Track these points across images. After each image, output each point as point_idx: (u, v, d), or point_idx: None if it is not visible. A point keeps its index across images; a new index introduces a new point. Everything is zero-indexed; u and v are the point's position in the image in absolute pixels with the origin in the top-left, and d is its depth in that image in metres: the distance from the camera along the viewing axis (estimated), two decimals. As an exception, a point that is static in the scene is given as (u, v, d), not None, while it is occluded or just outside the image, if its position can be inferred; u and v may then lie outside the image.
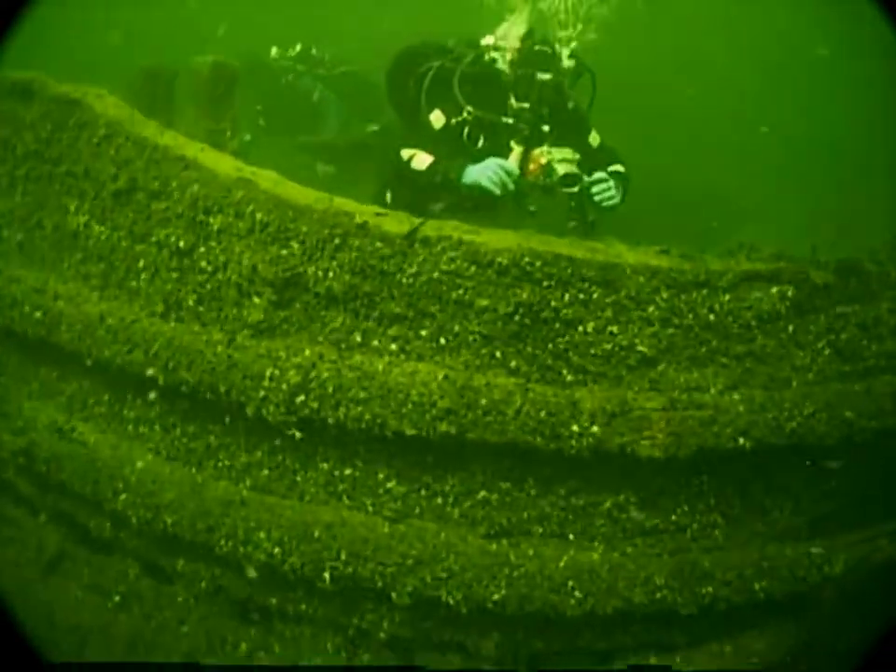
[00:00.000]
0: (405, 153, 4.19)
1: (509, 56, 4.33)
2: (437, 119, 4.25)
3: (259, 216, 3.08)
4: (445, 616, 3.16)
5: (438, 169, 4.07)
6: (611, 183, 4.19)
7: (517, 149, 4.15)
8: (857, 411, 3.21)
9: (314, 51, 7.30)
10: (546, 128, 4.27)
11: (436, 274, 3.01)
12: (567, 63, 4.36)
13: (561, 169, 4.03)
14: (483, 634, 3.23)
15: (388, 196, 4.61)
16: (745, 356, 3.23)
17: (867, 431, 3.22)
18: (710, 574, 3.17)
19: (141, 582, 3.45)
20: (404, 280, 3.02)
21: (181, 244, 3.20)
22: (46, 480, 3.45)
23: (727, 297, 3.18)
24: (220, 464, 3.28)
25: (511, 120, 4.23)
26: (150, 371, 3.14)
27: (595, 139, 4.62)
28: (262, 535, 3.14)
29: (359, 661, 3.34)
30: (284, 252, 3.07)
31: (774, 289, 3.24)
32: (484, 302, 3.02)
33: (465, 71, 4.29)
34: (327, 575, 3.11)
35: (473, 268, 3.01)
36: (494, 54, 4.36)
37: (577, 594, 3.09)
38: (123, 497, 3.27)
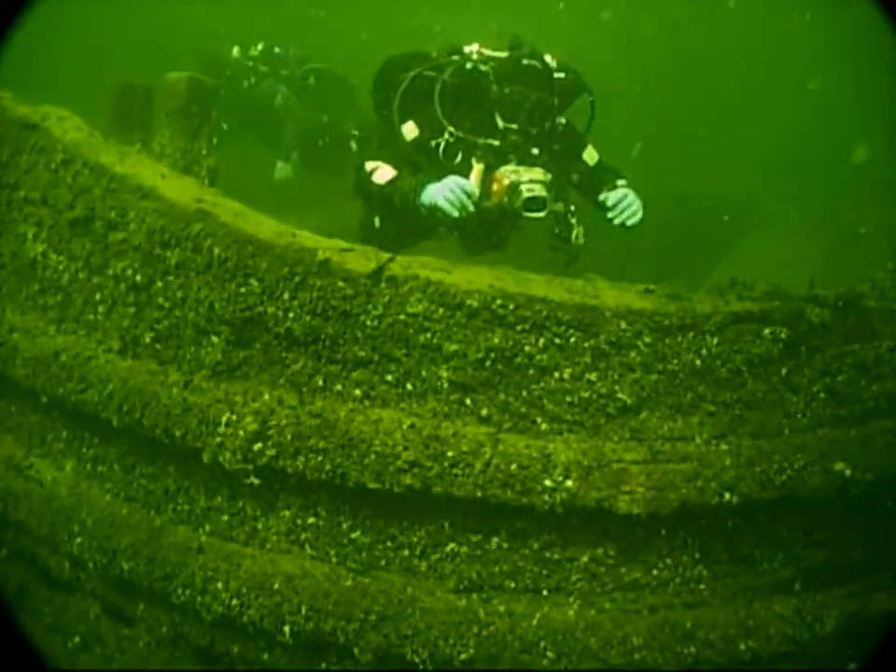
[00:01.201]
0: (369, 165, 3.78)
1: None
2: (409, 130, 3.82)
3: (216, 251, 2.80)
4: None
5: (396, 187, 3.64)
6: (632, 198, 3.80)
7: (478, 167, 3.70)
8: (852, 462, 2.92)
9: (277, 50, 6.85)
10: (535, 151, 3.83)
11: (402, 316, 2.73)
12: (558, 75, 3.91)
13: (526, 191, 3.58)
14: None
15: (377, 221, 4.32)
16: (733, 402, 2.93)
17: (862, 483, 2.93)
18: (692, 634, 2.90)
19: (101, 624, 3.23)
20: (368, 322, 2.74)
21: (138, 278, 2.92)
22: (3, 517, 3.22)
23: (715, 340, 2.88)
24: (179, 507, 3.01)
25: (496, 142, 3.80)
26: (104, 413, 2.90)
27: (591, 157, 4.19)
28: (220, 585, 2.88)
29: (324, 712, 3.11)
30: (242, 290, 2.79)
31: (766, 331, 2.94)
32: (454, 347, 2.73)
33: (446, 81, 3.84)
34: (287, 629, 2.87)
35: (441, 310, 2.73)
36: (479, 66, 3.85)
37: (549, 654, 2.82)
38: (79, 540, 3.02)
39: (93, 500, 3.06)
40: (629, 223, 3.80)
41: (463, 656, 2.79)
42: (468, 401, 2.77)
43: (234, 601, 2.87)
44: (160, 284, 2.90)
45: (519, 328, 2.73)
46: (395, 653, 2.80)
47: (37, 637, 3.25)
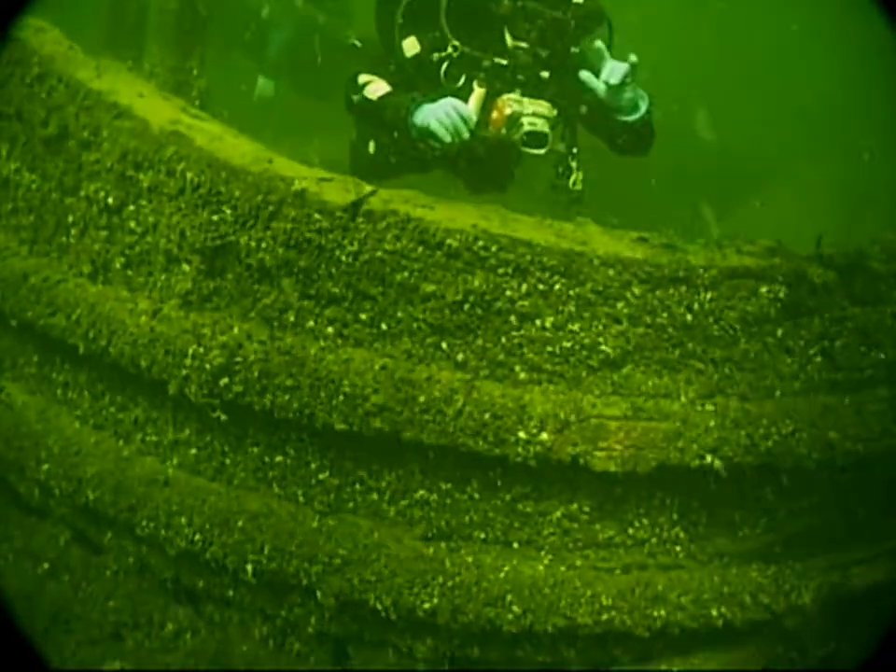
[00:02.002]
0: (362, 78, 3.42)
1: None
2: (410, 45, 3.42)
3: (189, 175, 2.61)
4: (374, 618, 2.81)
5: (389, 102, 3.27)
6: (634, 88, 3.24)
7: (478, 91, 3.29)
8: (842, 432, 2.73)
9: None
10: (545, 74, 3.43)
11: (379, 253, 2.56)
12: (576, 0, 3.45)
13: (528, 125, 3.24)
14: (415, 637, 2.86)
15: (371, 146, 4.07)
16: (724, 361, 2.74)
17: (851, 454, 2.76)
18: (663, 596, 2.77)
19: (70, 551, 3.14)
20: (343, 258, 2.57)
21: (110, 200, 2.74)
22: (-27, 438, 3.13)
23: (708, 295, 2.68)
24: (148, 438, 2.87)
25: (504, 61, 3.38)
26: (71, 339, 2.77)
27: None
28: (183, 520, 2.76)
29: (288, 650, 3.02)
30: (215, 217, 2.61)
31: (764, 289, 2.74)
32: (431, 288, 2.56)
33: None
34: (249, 568, 2.75)
35: (420, 249, 2.54)
36: None
37: (515, 608, 2.69)
38: (46, 466, 2.90)
39: (62, 427, 2.93)
40: (630, 118, 3.33)
41: (426, 605, 2.67)
42: (443, 345, 2.60)
43: (197, 536, 2.75)
44: (131, 207, 2.72)
45: (501, 271, 2.54)
46: (357, 599, 2.70)
47: (8, 562, 3.19)
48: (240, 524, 2.73)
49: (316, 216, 2.53)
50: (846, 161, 5.65)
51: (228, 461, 2.82)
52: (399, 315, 2.58)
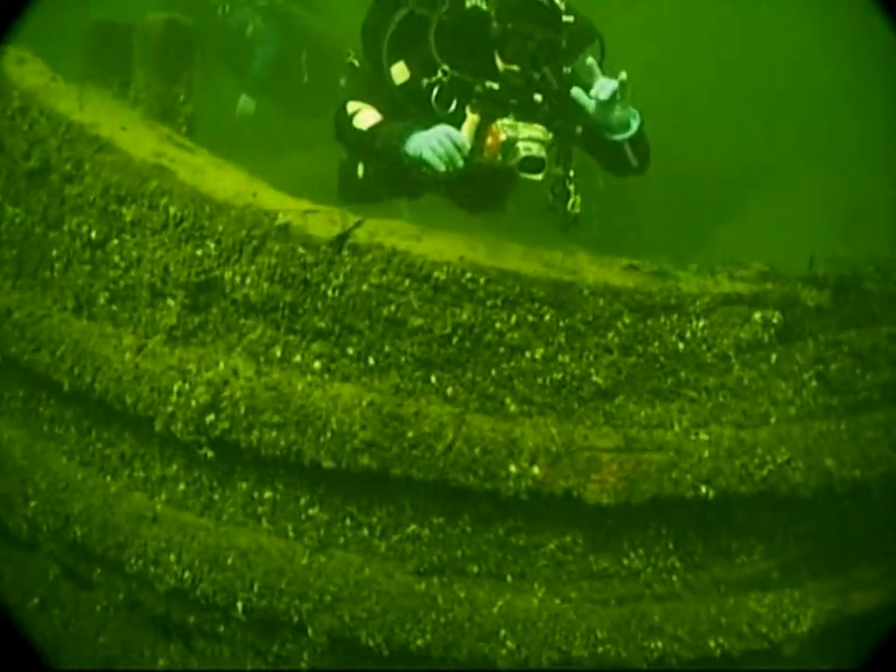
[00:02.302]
0: (351, 106, 3.30)
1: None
2: (399, 72, 3.31)
3: (172, 210, 2.56)
4: (368, 654, 2.76)
5: (379, 132, 3.15)
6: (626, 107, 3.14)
7: (471, 118, 3.18)
8: (839, 458, 2.68)
9: None
10: (538, 98, 3.31)
11: (365, 287, 2.51)
12: (567, 18, 3.33)
13: (523, 150, 3.11)
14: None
15: (360, 169, 4.01)
16: (717, 389, 2.69)
17: (848, 481, 2.71)
18: (660, 628, 2.71)
19: (60, 586, 3.09)
20: (329, 292, 2.52)
21: (93, 234, 2.70)
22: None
23: (701, 323, 2.63)
24: (136, 474, 2.82)
25: (496, 85, 3.27)
26: (56, 376, 2.72)
27: None
28: (172, 557, 2.71)
29: (282, 685, 2.97)
30: (199, 252, 2.56)
31: (757, 315, 2.70)
32: (418, 321, 2.51)
33: (442, 20, 3.31)
34: (239, 605, 2.70)
35: (407, 282, 2.50)
36: (479, 3, 3.31)
37: (509, 644, 2.64)
38: (33, 503, 2.85)
39: (48, 463, 2.88)
40: (621, 136, 3.20)
41: (419, 642, 2.61)
42: (432, 379, 2.54)
43: (186, 574, 2.69)
44: (115, 242, 2.67)
45: (489, 303, 2.49)
46: (349, 636, 2.65)
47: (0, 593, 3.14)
48: (229, 561, 2.67)
49: (301, 250, 2.48)
50: (841, 170, 5.59)
51: (216, 496, 2.76)
52: (387, 349, 2.53)
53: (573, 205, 3.44)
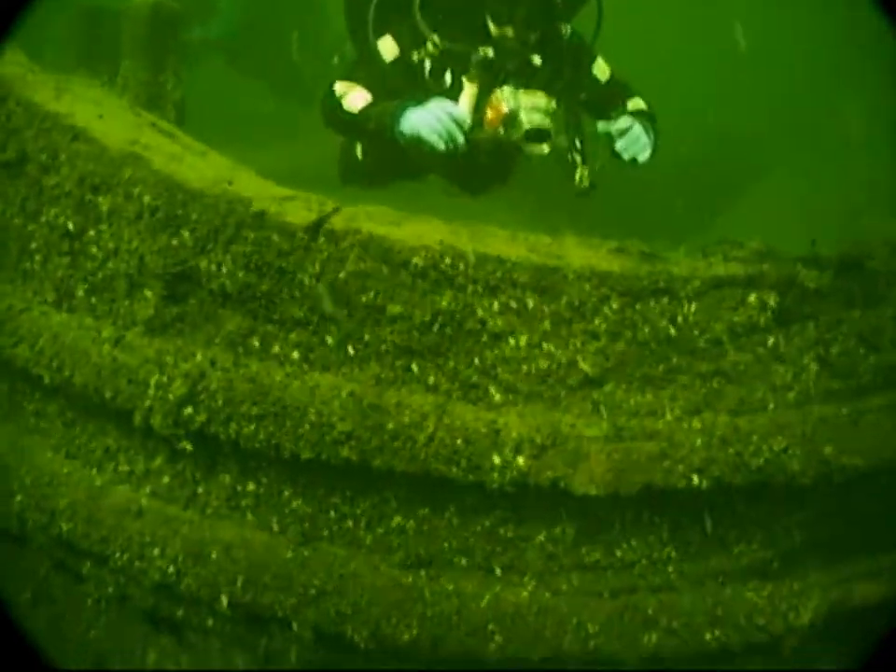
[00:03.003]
0: (339, 87, 3.12)
1: None
2: (388, 48, 3.12)
3: (146, 199, 2.48)
4: (356, 648, 2.69)
5: (370, 113, 2.99)
6: (640, 129, 3.07)
7: (469, 89, 3.03)
8: (839, 445, 2.55)
9: None
10: (537, 60, 3.13)
11: (342, 275, 2.42)
12: None
13: (527, 121, 2.94)
14: (399, 666, 2.74)
15: (359, 151, 3.86)
16: (711, 374, 2.57)
17: (848, 469, 2.58)
18: (654, 620, 2.61)
19: (52, 580, 3.05)
20: (306, 280, 2.44)
21: (70, 225, 2.63)
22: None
23: (693, 307, 2.51)
24: (120, 468, 2.76)
25: (490, 52, 3.07)
26: (35, 370, 2.66)
27: (602, 71, 3.43)
28: (157, 552, 2.66)
29: (273, 679, 2.92)
30: (174, 242, 2.48)
31: (752, 297, 2.57)
32: (397, 309, 2.42)
33: None
34: (224, 599, 2.64)
35: (385, 269, 2.41)
36: None
37: (497, 638, 2.56)
38: (19, 498, 2.81)
39: (34, 457, 2.83)
40: (639, 159, 3.11)
41: (406, 636, 2.54)
42: (413, 368, 2.45)
43: (171, 568, 2.63)
44: (92, 233, 2.59)
45: (470, 289, 2.39)
46: (334, 631, 2.58)
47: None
48: (213, 555, 2.60)
49: (276, 237, 2.39)
50: (844, 157, 5.40)
51: (200, 489, 2.68)
52: (367, 337, 2.44)
53: (581, 178, 3.24)
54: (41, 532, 2.82)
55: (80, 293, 2.65)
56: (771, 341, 2.60)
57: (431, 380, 2.45)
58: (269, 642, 2.76)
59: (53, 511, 2.76)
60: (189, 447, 2.52)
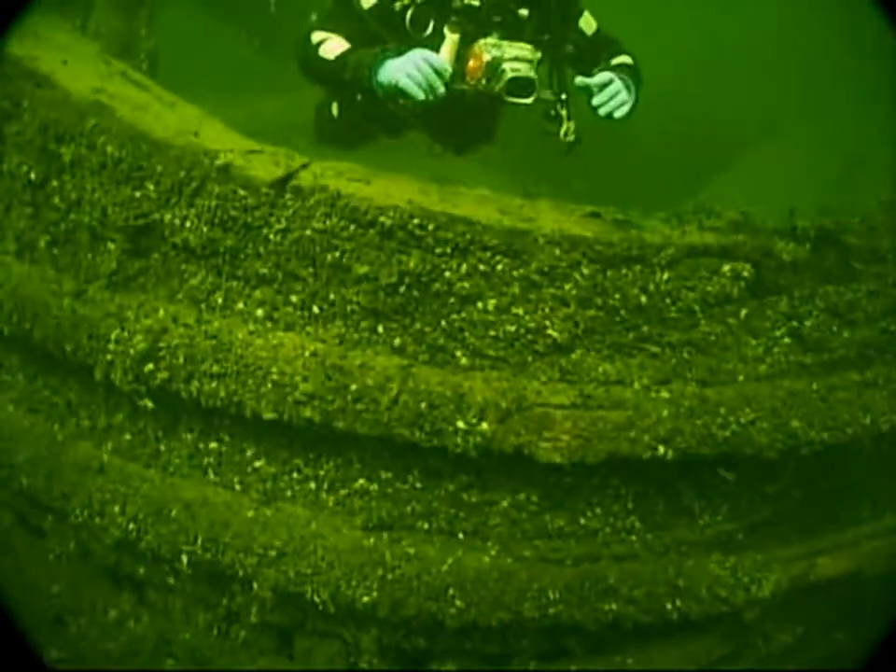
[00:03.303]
0: (316, 36, 2.98)
1: None
2: None
3: (110, 149, 2.42)
4: (316, 609, 2.67)
5: (348, 60, 2.87)
6: (619, 85, 2.95)
7: (451, 38, 2.89)
8: (807, 420, 2.53)
9: None
10: (524, 12, 3.02)
11: (308, 232, 2.36)
12: None
13: (510, 71, 2.84)
14: (359, 628, 2.72)
15: (335, 109, 3.76)
16: (681, 344, 2.52)
17: (816, 444, 2.56)
18: (614, 589, 2.60)
19: (14, 534, 3.03)
20: (272, 236, 2.37)
21: (32, 175, 2.57)
22: None
23: (665, 275, 2.46)
24: (82, 423, 2.74)
25: (476, 1, 2.94)
26: (-6, 321, 2.61)
27: (588, 25, 3.29)
28: (116, 509, 2.63)
29: (233, 637, 2.89)
30: (137, 194, 2.42)
31: (726, 267, 2.52)
32: (363, 269, 2.37)
33: None
34: (184, 558, 2.61)
35: (352, 227, 2.35)
36: None
37: (457, 602, 2.54)
38: (-22, 451, 2.80)
39: (-6, 410, 2.80)
40: (615, 114, 2.97)
41: (366, 599, 2.51)
42: (379, 329, 2.41)
43: (131, 526, 2.60)
44: (55, 183, 2.53)
45: (438, 251, 2.33)
46: (294, 591, 2.56)
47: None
48: (174, 513, 2.57)
49: (241, 192, 2.33)
50: (839, 125, 5.33)
51: (162, 447, 2.65)
52: (332, 297, 2.39)
53: (566, 132, 3.14)
54: (2, 485, 2.79)
55: (42, 244, 2.59)
56: (744, 312, 2.56)
57: (397, 342, 2.40)
58: (230, 602, 2.75)
59: (12, 465, 2.72)
60: (150, 405, 2.48)
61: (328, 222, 2.32)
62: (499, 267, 2.36)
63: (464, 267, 2.35)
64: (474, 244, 2.33)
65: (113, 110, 2.44)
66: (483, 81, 2.91)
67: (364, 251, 2.33)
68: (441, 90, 2.77)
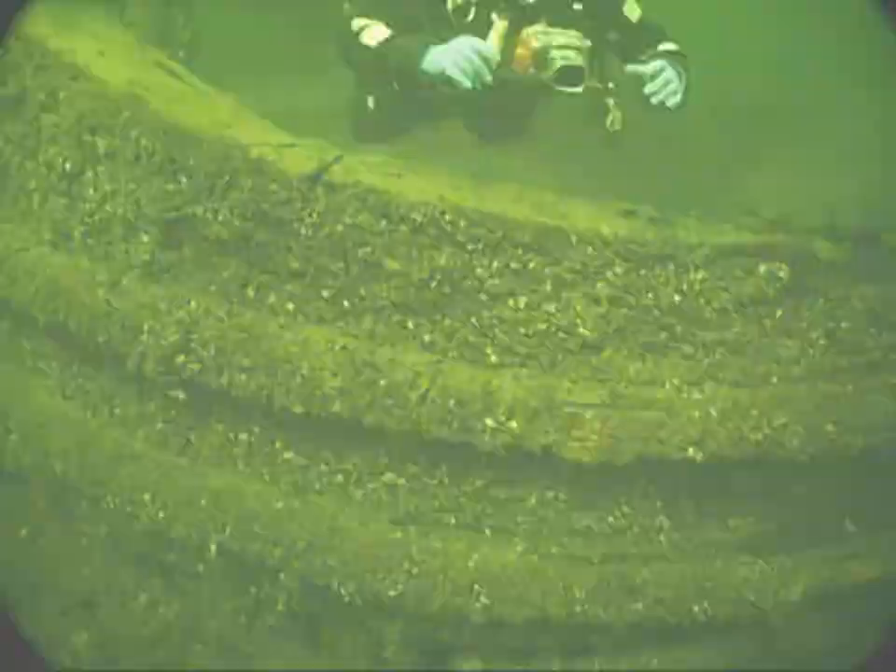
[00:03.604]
0: (357, 23, 2.89)
1: None
2: None
3: (143, 141, 2.43)
4: (342, 600, 2.68)
5: (391, 48, 2.79)
6: (672, 73, 2.85)
7: (500, 25, 2.84)
8: (841, 423, 2.49)
9: None
10: (578, 5, 2.97)
11: (339, 227, 2.35)
12: None
13: (560, 59, 2.75)
14: (384, 620, 2.73)
15: (370, 102, 3.75)
16: (715, 345, 2.50)
17: (850, 448, 2.51)
18: (641, 590, 2.58)
19: (48, 518, 3.07)
20: (303, 230, 2.37)
21: (68, 166, 2.59)
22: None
23: (700, 275, 2.42)
24: (116, 411, 2.76)
25: None
26: (32, 310, 2.63)
27: (633, 11, 3.19)
28: (147, 497, 2.66)
29: (261, 624, 2.92)
30: (170, 187, 2.43)
31: (763, 267, 2.48)
32: (394, 265, 2.36)
33: None
34: (213, 547, 2.64)
35: (384, 222, 2.34)
36: None
37: (483, 598, 2.54)
38: (13, 437, 2.82)
39: (30, 396, 2.83)
40: (668, 103, 2.87)
41: (391, 593, 2.52)
42: (409, 325, 2.40)
43: (161, 514, 2.63)
44: (90, 174, 2.54)
45: (470, 247, 2.32)
46: (320, 583, 2.57)
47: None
48: (203, 502, 2.59)
49: (273, 186, 2.33)
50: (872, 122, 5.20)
51: (193, 437, 2.67)
52: (362, 292, 2.38)
53: (612, 122, 3.05)
54: (37, 471, 2.83)
55: (77, 235, 2.61)
56: (779, 313, 2.52)
57: (427, 338, 2.39)
58: (257, 591, 2.77)
59: (47, 451, 2.75)
60: (181, 396, 2.50)
61: (359, 217, 2.31)
62: (531, 264, 2.34)
63: (495, 264, 2.33)
64: (506, 240, 2.31)
65: (147, 102, 2.44)
66: (532, 69, 2.83)
67: (395, 247, 2.32)
68: (488, 78, 2.69)
